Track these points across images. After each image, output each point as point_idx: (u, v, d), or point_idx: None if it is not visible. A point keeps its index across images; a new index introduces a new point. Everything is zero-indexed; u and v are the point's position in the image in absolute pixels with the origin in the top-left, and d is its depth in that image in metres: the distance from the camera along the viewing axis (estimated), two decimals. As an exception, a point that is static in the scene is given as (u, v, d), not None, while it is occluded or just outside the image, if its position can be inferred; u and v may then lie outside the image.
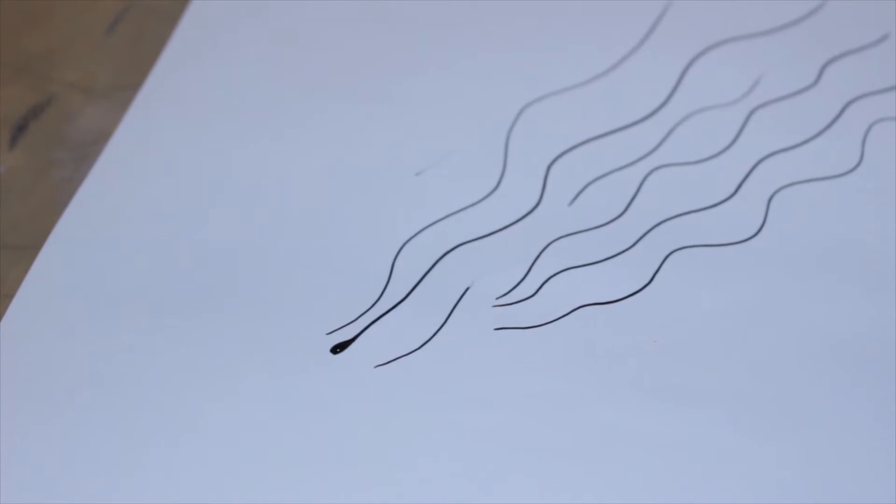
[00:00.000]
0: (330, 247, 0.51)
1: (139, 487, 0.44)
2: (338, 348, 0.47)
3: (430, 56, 0.58)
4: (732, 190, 0.52)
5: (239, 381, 0.46)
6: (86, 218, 0.52)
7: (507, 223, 0.51)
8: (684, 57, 0.57)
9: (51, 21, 0.61)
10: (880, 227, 0.51)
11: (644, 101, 0.56)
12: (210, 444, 0.45)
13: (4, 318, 0.48)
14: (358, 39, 0.59)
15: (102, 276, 0.50)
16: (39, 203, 0.53)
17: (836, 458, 0.44)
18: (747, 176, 0.53)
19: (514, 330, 0.48)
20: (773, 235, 0.51)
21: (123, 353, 0.47)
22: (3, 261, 0.51)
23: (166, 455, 0.45)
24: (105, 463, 0.44)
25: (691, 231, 0.51)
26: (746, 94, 0.56)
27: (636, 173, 0.53)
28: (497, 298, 0.49)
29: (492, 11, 0.60)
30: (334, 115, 0.56)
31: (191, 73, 0.58)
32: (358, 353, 0.47)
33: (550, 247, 0.50)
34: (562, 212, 0.52)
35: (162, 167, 0.54)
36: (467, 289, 0.49)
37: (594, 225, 0.51)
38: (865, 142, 0.54)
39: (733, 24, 0.59)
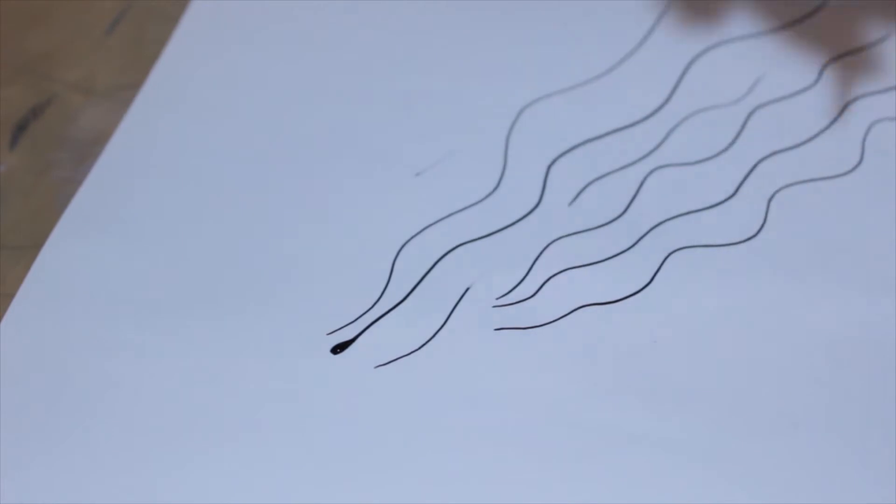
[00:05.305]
0: (330, 247, 0.51)
1: (139, 487, 0.44)
2: (338, 348, 0.47)
3: (431, 56, 0.58)
4: (732, 190, 0.52)
5: (239, 381, 0.46)
6: (86, 218, 0.52)
7: (507, 223, 0.51)
8: (684, 57, 0.58)
9: (51, 21, 0.61)
10: (880, 228, 0.51)
11: (644, 101, 0.56)
12: (210, 443, 0.45)
13: (4, 318, 0.48)
14: (358, 39, 0.59)
15: (102, 276, 0.50)
16: (39, 203, 0.53)
17: (835, 459, 0.44)
18: (747, 176, 0.53)
19: (515, 330, 0.48)
20: (773, 236, 0.51)
21: (123, 353, 0.47)
22: (3, 261, 0.51)
23: (166, 455, 0.45)
24: (105, 462, 0.44)
25: (691, 231, 0.51)
26: (746, 95, 0.56)
27: (636, 173, 0.53)
28: (497, 299, 0.49)
29: (492, 11, 0.60)
30: (334, 115, 0.56)
31: (191, 73, 0.58)
32: (358, 353, 0.47)
33: (550, 247, 0.50)
34: (562, 212, 0.52)
35: (162, 167, 0.54)
36: (467, 289, 0.49)
37: (594, 225, 0.51)
38: (865, 142, 0.54)
39: (733, 25, 0.59)
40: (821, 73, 0.57)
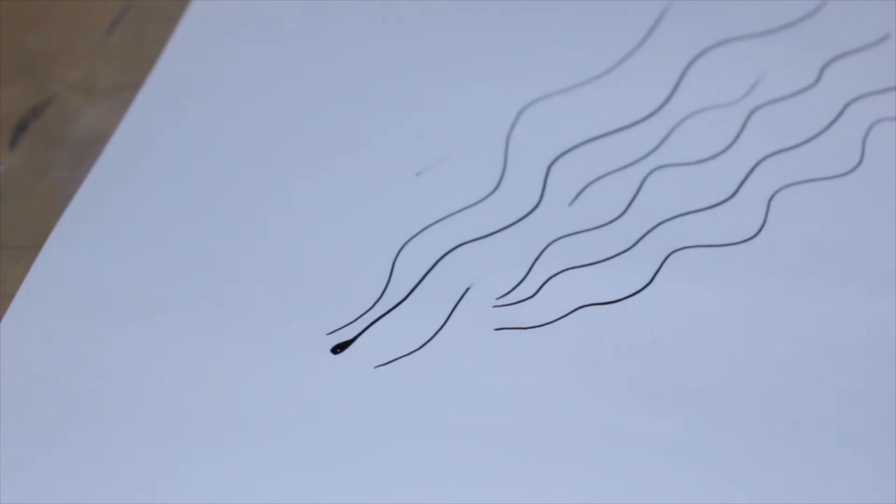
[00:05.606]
0: (330, 247, 0.51)
1: (139, 486, 0.44)
2: (338, 348, 0.47)
3: (431, 56, 0.58)
4: (733, 190, 0.52)
5: (239, 381, 0.46)
6: (86, 218, 0.52)
7: (507, 223, 0.51)
8: (684, 57, 0.58)
9: (51, 21, 0.61)
10: (880, 228, 0.51)
11: (644, 101, 0.56)
12: (210, 443, 0.45)
13: (4, 318, 0.48)
14: (358, 39, 0.59)
15: (102, 276, 0.50)
16: (39, 203, 0.53)
17: (836, 458, 0.44)
18: (747, 176, 0.53)
19: (515, 330, 0.48)
20: (774, 236, 0.51)
21: (123, 353, 0.47)
22: (3, 261, 0.51)
23: (166, 454, 0.44)
24: (105, 462, 0.44)
25: (691, 231, 0.51)
26: (747, 95, 0.56)
27: (636, 173, 0.53)
28: (497, 299, 0.49)
29: (492, 11, 0.60)
30: (334, 114, 0.56)
31: (191, 73, 0.58)
32: (358, 353, 0.47)
33: (551, 247, 0.50)
34: (562, 212, 0.52)
35: (162, 167, 0.54)
36: (468, 289, 0.49)
37: (594, 225, 0.51)
38: (865, 142, 0.54)
39: (733, 25, 0.59)
40: (821, 73, 0.57)
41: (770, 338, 0.47)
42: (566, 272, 0.50)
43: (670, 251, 0.50)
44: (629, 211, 0.52)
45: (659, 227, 0.51)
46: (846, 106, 0.55)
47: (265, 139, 0.55)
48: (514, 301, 0.49)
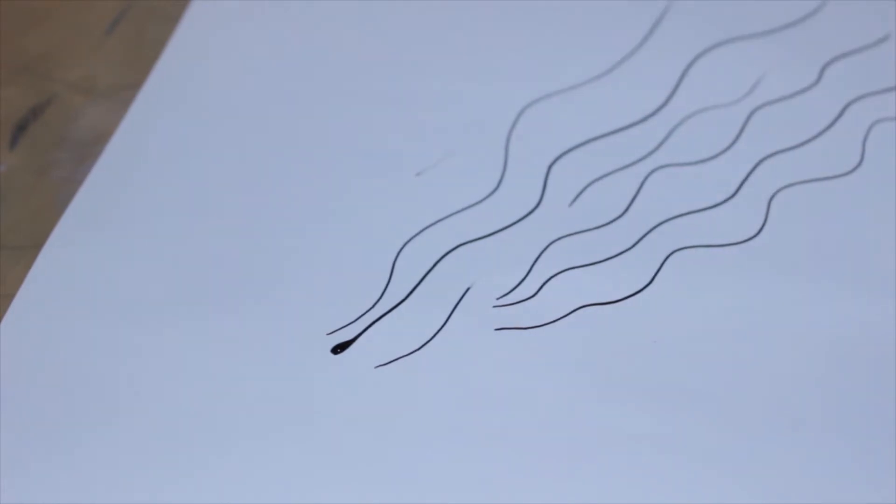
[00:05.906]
0: (330, 247, 0.51)
1: (139, 486, 0.44)
2: (338, 348, 0.47)
3: (431, 56, 0.58)
4: (733, 190, 0.52)
5: (239, 380, 0.46)
6: (86, 218, 0.52)
7: (507, 223, 0.51)
8: (685, 57, 0.58)
9: (51, 21, 0.61)
10: (880, 228, 0.51)
11: (645, 101, 0.56)
12: (210, 443, 0.45)
13: (4, 318, 0.48)
14: (358, 39, 0.59)
15: (102, 276, 0.50)
16: (39, 203, 0.53)
17: (836, 459, 0.44)
18: (748, 176, 0.53)
19: (515, 330, 0.48)
20: (774, 236, 0.51)
21: (123, 354, 0.47)
22: (3, 261, 0.51)
23: (166, 454, 0.44)
24: (104, 462, 0.44)
25: (692, 231, 0.51)
26: (747, 95, 0.56)
27: (637, 174, 0.53)
28: (497, 299, 0.49)
29: (492, 11, 0.60)
30: (334, 114, 0.56)
31: (191, 73, 0.58)
32: (358, 353, 0.47)
33: (551, 247, 0.50)
34: (562, 212, 0.52)
35: (162, 167, 0.54)
36: (468, 289, 0.49)
37: (595, 225, 0.51)
38: (866, 142, 0.54)
39: (734, 25, 0.59)
40: (821, 73, 0.57)
41: (770, 338, 0.47)
42: (566, 272, 0.50)
43: (670, 251, 0.50)
44: (629, 211, 0.52)
45: (659, 228, 0.51)
46: (846, 106, 0.55)
47: (265, 139, 0.55)
48: (514, 301, 0.49)
